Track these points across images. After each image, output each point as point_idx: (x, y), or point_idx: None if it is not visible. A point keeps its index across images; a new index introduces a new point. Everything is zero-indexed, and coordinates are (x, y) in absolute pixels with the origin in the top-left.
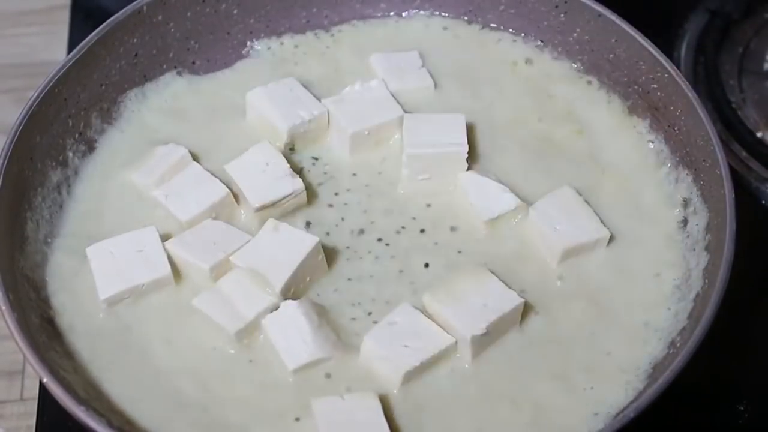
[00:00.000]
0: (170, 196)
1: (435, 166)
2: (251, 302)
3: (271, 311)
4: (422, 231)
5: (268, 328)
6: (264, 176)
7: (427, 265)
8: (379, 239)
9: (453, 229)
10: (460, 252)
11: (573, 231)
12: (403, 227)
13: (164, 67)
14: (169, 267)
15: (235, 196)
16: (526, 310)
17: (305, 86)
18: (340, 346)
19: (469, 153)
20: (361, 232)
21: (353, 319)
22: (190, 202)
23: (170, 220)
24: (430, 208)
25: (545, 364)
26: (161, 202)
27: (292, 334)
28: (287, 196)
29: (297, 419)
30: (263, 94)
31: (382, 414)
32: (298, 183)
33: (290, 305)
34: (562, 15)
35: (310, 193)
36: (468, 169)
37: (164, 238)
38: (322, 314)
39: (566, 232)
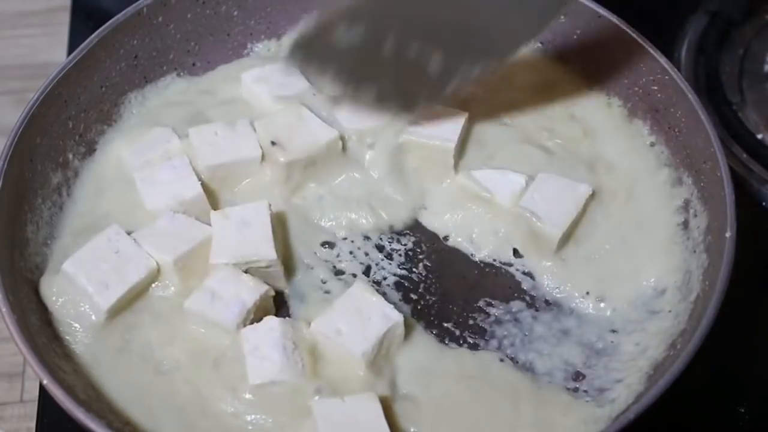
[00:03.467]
0: (146, 182)
1: (423, 156)
2: (245, 293)
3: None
4: None
5: (243, 339)
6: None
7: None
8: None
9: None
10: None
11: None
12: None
13: (164, 68)
14: (152, 259)
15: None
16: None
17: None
18: (309, 375)
19: (469, 154)
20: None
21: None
22: (162, 192)
23: None
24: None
25: (546, 364)
26: (137, 184)
27: (264, 350)
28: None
29: (297, 421)
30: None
31: (382, 415)
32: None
33: (272, 321)
34: (562, 17)
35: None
36: (465, 170)
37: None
38: (300, 340)
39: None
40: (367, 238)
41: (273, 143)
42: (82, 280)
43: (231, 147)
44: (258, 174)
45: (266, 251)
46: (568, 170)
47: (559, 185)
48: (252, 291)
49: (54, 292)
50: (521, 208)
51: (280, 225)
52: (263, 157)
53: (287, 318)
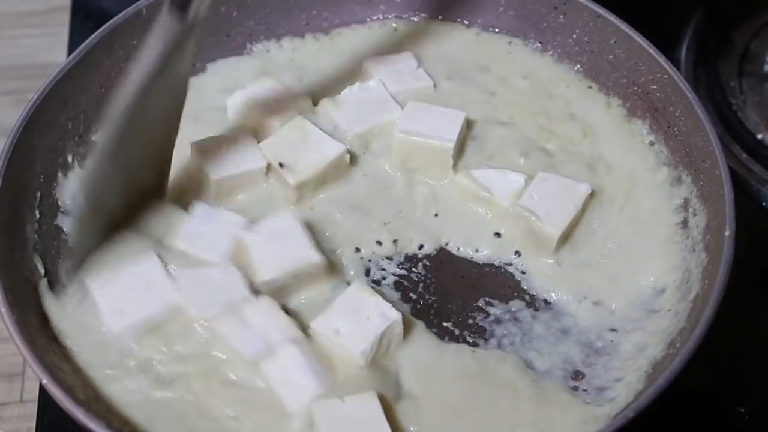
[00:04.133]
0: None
1: (422, 156)
2: (274, 332)
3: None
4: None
5: (268, 375)
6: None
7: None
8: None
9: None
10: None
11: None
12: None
13: None
14: (178, 297)
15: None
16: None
17: (304, 88)
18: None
19: (468, 154)
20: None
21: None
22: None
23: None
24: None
25: (545, 363)
26: None
27: (293, 378)
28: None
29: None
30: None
31: (383, 414)
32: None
33: (291, 351)
34: (561, 16)
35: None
36: (464, 169)
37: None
38: (318, 351)
39: (555, 217)
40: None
41: (281, 165)
42: (100, 300)
43: (236, 159)
44: (263, 185)
45: (311, 256)
46: (567, 169)
47: (559, 185)
48: (282, 332)
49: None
50: (520, 208)
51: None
52: (268, 168)
53: (303, 335)
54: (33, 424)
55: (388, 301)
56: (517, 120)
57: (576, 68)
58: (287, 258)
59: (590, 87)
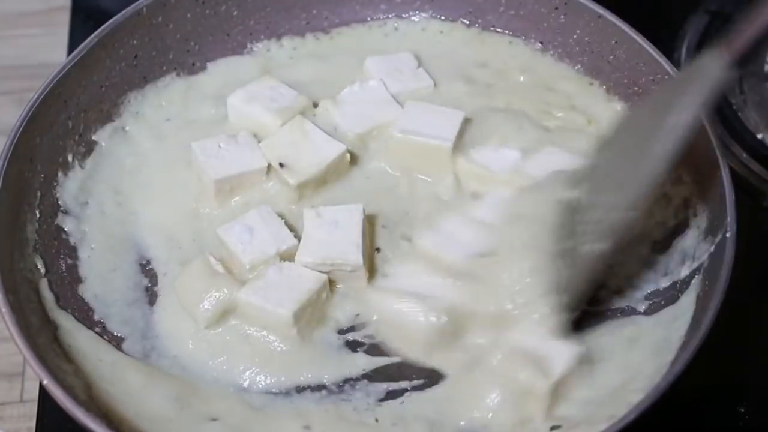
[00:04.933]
0: None
1: (420, 155)
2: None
3: None
4: None
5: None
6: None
7: None
8: None
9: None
10: None
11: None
12: None
13: (164, 68)
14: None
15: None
16: None
17: (304, 88)
18: None
19: (466, 142)
20: None
21: None
22: None
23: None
24: None
25: None
26: None
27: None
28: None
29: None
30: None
31: None
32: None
33: None
34: (562, 16)
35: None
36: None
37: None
38: None
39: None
40: None
41: (281, 165)
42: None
43: (236, 159)
44: (263, 185)
45: (353, 257)
46: (566, 143)
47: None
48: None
49: None
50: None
51: (370, 227)
52: (268, 168)
53: None
54: (33, 424)
55: None
56: (515, 106)
57: (576, 68)
58: (331, 250)
59: (591, 86)
